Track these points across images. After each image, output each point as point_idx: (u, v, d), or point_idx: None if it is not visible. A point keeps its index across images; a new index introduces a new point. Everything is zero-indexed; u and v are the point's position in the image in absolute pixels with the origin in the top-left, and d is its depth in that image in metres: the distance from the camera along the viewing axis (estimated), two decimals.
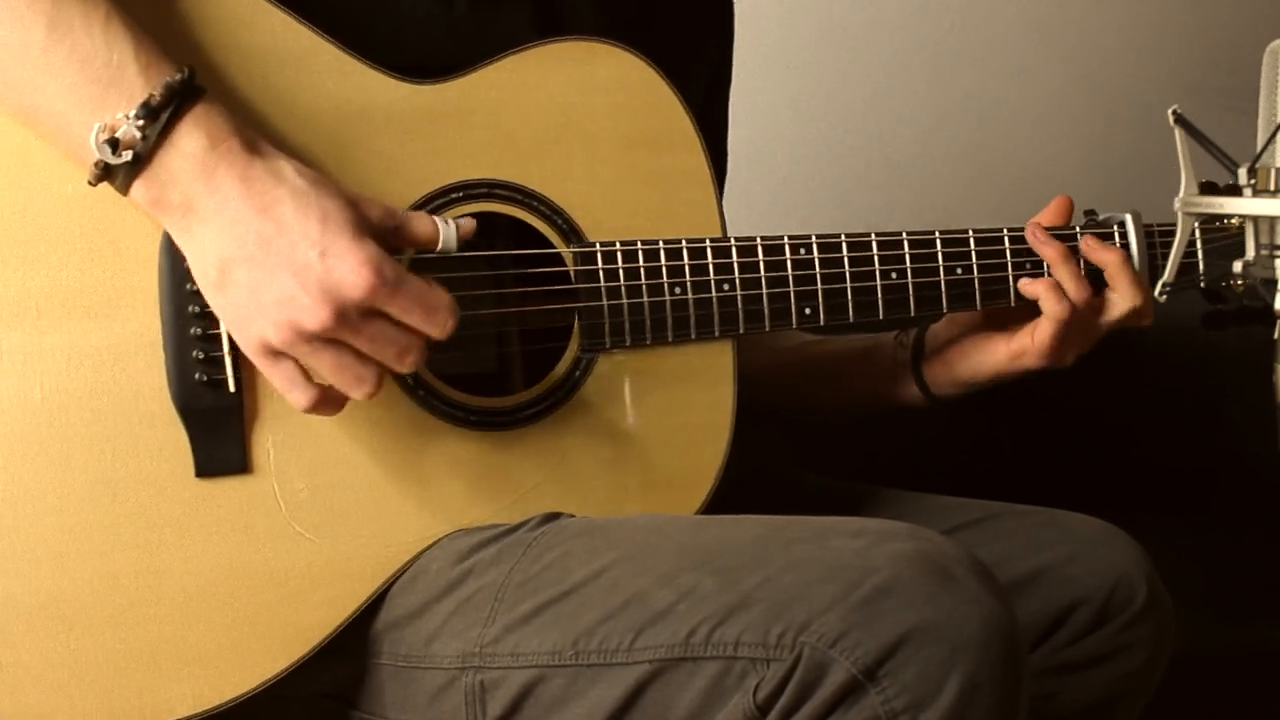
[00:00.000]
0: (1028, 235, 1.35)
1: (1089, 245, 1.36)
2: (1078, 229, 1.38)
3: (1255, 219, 1.32)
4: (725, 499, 1.27)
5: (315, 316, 1.02)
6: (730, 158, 1.49)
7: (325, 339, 1.04)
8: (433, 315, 1.06)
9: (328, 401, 1.08)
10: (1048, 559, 1.30)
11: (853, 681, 0.99)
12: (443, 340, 1.08)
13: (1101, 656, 1.29)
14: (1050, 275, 1.34)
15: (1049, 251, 1.34)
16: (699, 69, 1.44)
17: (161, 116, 1.02)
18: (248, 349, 1.07)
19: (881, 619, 0.99)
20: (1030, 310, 1.36)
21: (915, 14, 2.52)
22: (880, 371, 1.46)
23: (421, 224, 1.10)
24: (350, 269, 1.02)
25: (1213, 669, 1.74)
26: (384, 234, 1.07)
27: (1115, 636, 1.29)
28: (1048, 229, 1.36)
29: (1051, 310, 1.33)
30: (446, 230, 1.10)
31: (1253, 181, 1.30)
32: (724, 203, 1.48)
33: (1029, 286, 1.34)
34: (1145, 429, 2.21)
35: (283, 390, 1.07)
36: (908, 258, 1.31)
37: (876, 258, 1.29)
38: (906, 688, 0.99)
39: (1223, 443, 2.13)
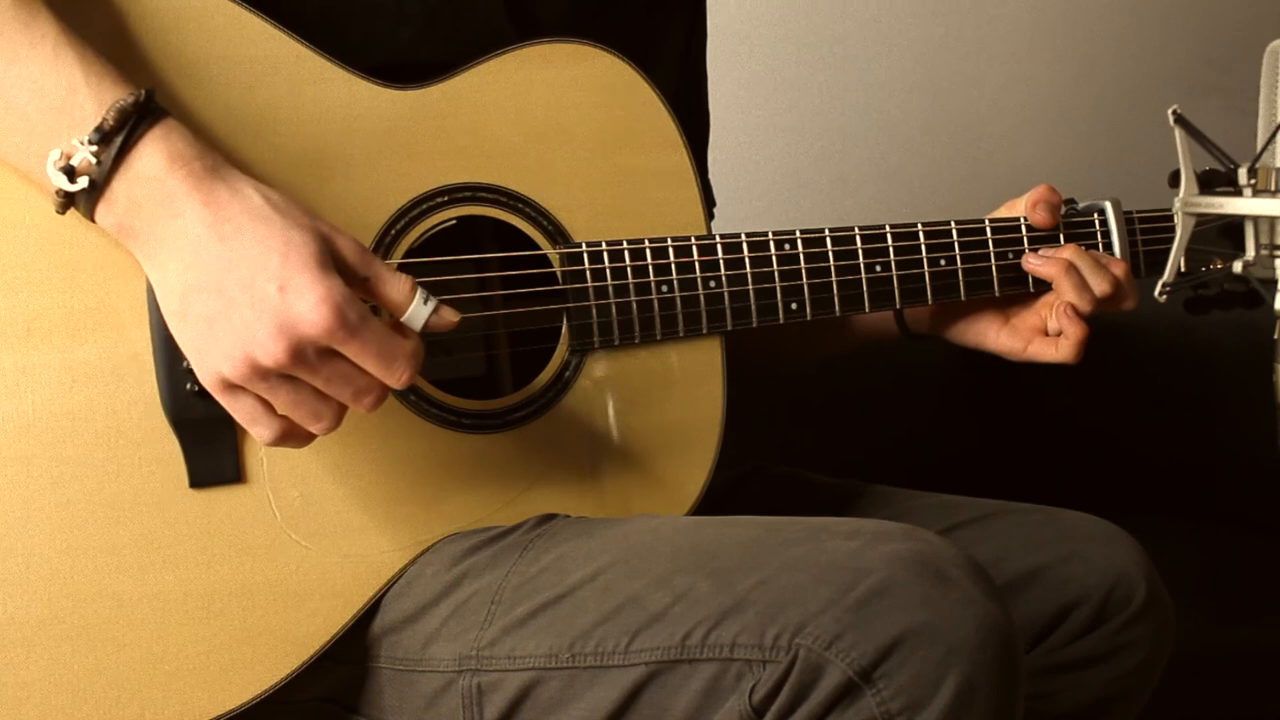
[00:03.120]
0: (1024, 265, 1.36)
1: (1030, 264, 1.36)
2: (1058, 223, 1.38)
3: (1255, 219, 1.31)
4: (721, 498, 1.27)
5: (270, 353, 0.98)
6: (725, 159, 1.49)
7: (281, 375, 1.00)
8: (389, 365, 1.01)
9: (292, 435, 1.04)
10: (1046, 558, 1.30)
11: (848, 683, 0.99)
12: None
13: (1100, 656, 1.29)
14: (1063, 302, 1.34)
15: (1050, 270, 1.34)
16: (672, 38, 1.43)
17: (115, 140, 1.00)
18: (206, 382, 1.03)
19: (877, 620, 0.99)
20: (1021, 296, 1.37)
21: (912, 14, 2.51)
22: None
23: (397, 288, 1.03)
24: (309, 306, 0.98)
25: (1213, 669, 1.74)
26: (353, 277, 1.03)
27: (1114, 636, 1.29)
28: (1034, 228, 1.37)
29: (1066, 354, 1.34)
30: (419, 308, 1.03)
31: (1253, 181, 1.30)
32: (720, 205, 1.48)
33: (1063, 323, 1.34)
34: (1145, 428, 2.21)
35: (245, 424, 1.04)
36: (891, 250, 1.31)
37: (860, 251, 1.30)
38: (902, 689, 0.98)
39: (1223, 442, 2.13)
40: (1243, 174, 1.30)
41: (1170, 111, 1.31)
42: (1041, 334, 1.37)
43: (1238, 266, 1.33)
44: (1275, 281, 1.30)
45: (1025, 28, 2.59)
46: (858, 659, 0.98)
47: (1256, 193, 1.30)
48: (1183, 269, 1.36)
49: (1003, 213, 1.39)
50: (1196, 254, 1.37)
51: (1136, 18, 2.64)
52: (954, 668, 0.98)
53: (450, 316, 1.05)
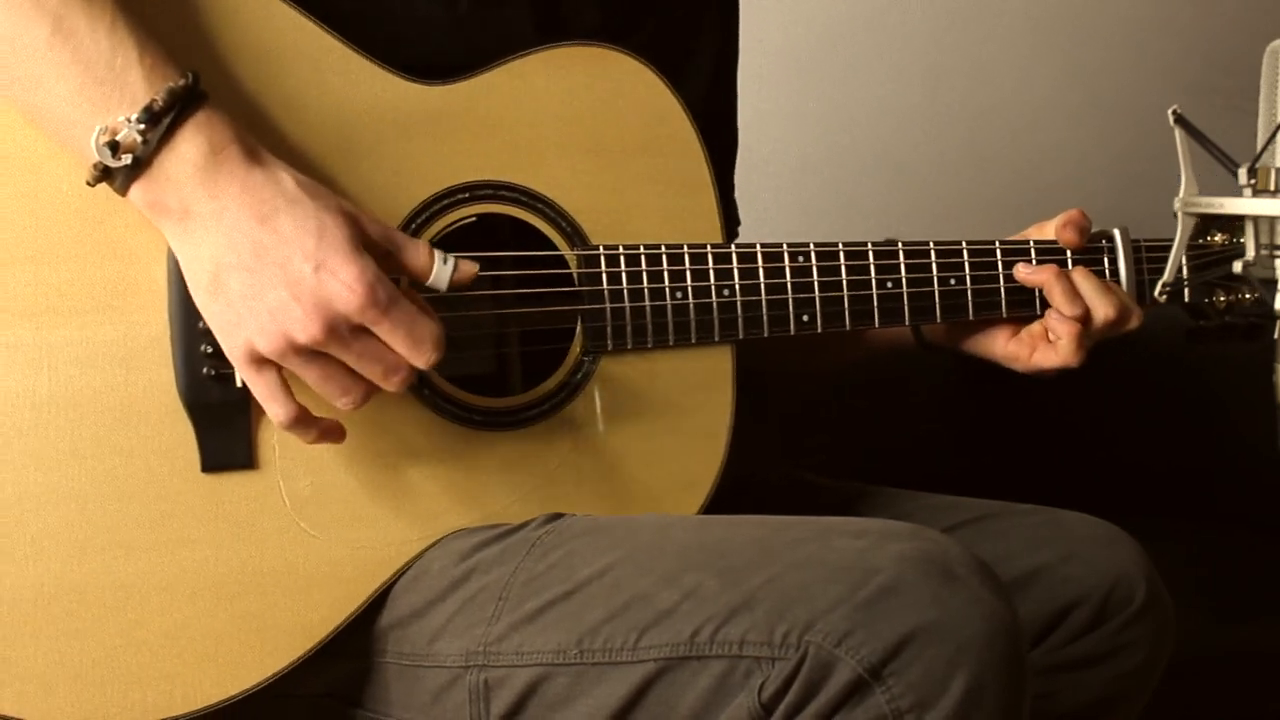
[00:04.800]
0: (1015, 274, 1.35)
1: (1020, 273, 1.35)
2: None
3: (1255, 219, 1.32)
4: (724, 501, 1.27)
5: (306, 329, 1.03)
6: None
7: (314, 351, 1.04)
8: (418, 346, 1.06)
9: (304, 422, 1.08)
10: (1046, 558, 1.31)
11: (858, 680, 0.99)
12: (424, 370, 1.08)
13: (1100, 656, 1.29)
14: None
15: (1040, 277, 1.34)
16: (702, 57, 1.44)
17: (163, 121, 1.02)
18: (233, 356, 1.06)
19: (886, 618, 0.99)
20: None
21: (914, 16, 2.52)
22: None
23: (418, 254, 1.10)
24: (344, 285, 1.02)
25: (1213, 669, 1.75)
26: (379, 253, 1.07)
27: (1114, 636, 1.29)
28: (1041, 243, 1.36)
29: (1065, 355, 1.34)
30: (441, 269, 1.09)
31: (1253, 181, 1.30)
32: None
33: (1054, 325, 1.35)
34: (1145, 429, 2.21)
35: (262, 401, 1.07)
36: (903, 268, 1.31)
37: (873, 267, 1.30)
38: (912, 687, 0.99)
39: (1223, 443, 2.13)
40: (1243, 174, 1.30)
41: (1170, 111, 1.32)
42: (1045, 341, 1.37)
43: (1237, 267, 1.34)
44: (1275, 281, 1.31)
45: (1026, 29, 2.59)
46: (867, 656, 0.99)
47: (1256, 193, 1.30)
48: (1187, 290, 1.37)
49: (1033, 233, 1.39)
50: (1199, 288, 1.37)
51: (1137, 17, 2.65)
52: (963, 666, 0.99)
53: (470, 268, 1.11)
